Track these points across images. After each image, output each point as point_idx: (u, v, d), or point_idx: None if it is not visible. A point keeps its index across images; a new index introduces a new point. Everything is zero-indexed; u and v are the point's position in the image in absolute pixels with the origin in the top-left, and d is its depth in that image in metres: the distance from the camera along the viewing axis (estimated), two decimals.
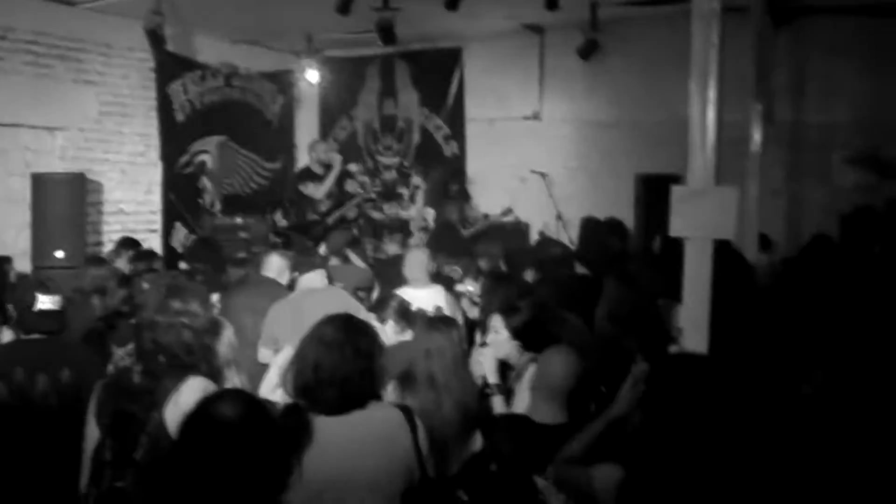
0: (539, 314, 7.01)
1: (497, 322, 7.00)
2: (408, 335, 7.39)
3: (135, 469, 4.96)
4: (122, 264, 11.33)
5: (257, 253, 10.72)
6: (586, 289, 8.76)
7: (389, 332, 7.51)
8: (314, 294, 8.36)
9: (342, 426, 4.53)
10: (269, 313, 8.27)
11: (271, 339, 7.92)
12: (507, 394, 6.48)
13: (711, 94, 7.47)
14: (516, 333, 6.82)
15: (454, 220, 14.56)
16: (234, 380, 6.48)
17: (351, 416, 4.59)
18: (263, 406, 3.71)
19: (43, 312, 6.41)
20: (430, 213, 15.42)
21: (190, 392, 4.99)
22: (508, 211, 15.16)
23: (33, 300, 6.39)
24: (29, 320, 6.47)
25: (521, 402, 6.23)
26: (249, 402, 3.66)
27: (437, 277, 9.79)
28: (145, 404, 5.15)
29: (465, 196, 15.77)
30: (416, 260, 9.46)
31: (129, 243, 12.26)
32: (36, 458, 5.94)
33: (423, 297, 8.79)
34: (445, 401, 5.91)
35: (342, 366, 4.59)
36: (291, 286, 9.41)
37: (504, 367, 6.69)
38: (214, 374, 5.43)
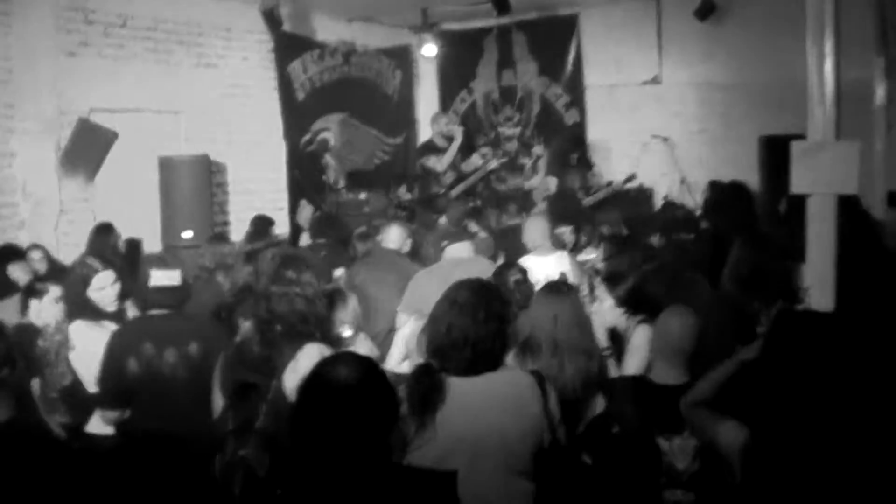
0: (642, 281, 6.98)
1: (601, 290, 6.99)
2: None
3: (256, 437, 5.04)
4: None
5: (378, 226, 10.76)
6: (712, 251, 8.69)
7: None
8: (460, 264, 8.39)
9: (474, 387, 4.56)
10: (413, 281, 8.42)
11: (413, 307, 7.93)
12: (618, 357, 6.49)
13: (828, 45, 7.31)
14: (621, 301, 6.82)
15: (575, 188, 14.49)
16: (361, 347, 6.57)
17: (483, 377, 4.62)
18: (378, 368, 3.74)
19: (159, 288, 6.58)
20: (553, 182, 15.33)
21: (307, 359, 5.06)
22: (632, 177, 14.98)
23: (148, 276, 6.55)
24: (146, 296, 6.65)
25: (631, 366, 6.24)
26: (364, 364, 3.69)
27: (556, 243, 9.76)
28: (265, 373, 5.24)
29: (586, 164, 15.65)
30: (536, 226, 9.44)
31: (260, 221, 12.52)
32: (166, 430, 6.06)
33: (547, 264, 8.78)
34: (567, 365, 5.91)
35: (475, 328, 4.62)
36: (415, 254, 9.50)
37: (614, 333, 6.71)
38: (332, 342, 5.50)
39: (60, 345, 6.80)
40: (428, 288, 7.90)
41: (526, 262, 8.71)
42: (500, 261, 9.49)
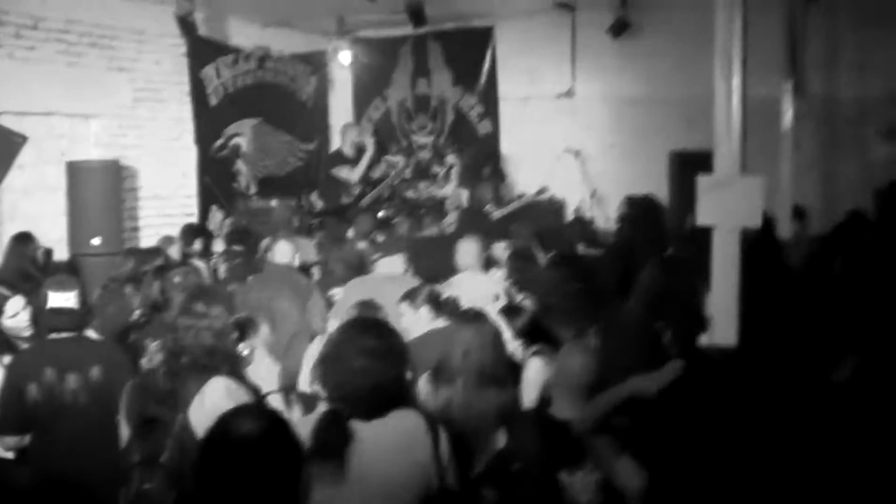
0: (540, 313, 7.05)
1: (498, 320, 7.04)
2: (439, 323, 7.41)
3: (161, 472, 5.03)
4: (175, 252, 11.47)
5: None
6: (621, 267, 8.78)
7: (423, 320, 7.54)
8: (393, 280, 8.41)
9: (371, 431, 4.52)
10: (345, 292, 8.49)
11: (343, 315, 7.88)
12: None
13: (735, 82, 7.39)
14: (520, 333, 6.88)
15: (486, 201, 14.55)
16: (261, 364, 6.54)
17: (379, 420, 4.58)
18: (282, 420, 3.73)
19: (56, 310, 6.50)
20: (464, 194, 15.41)
21: (213, 393, 5.06)
22: (543, 190, 15.09)
23: (45, 298, 6.49)
24: (44, 319, 6.62)
25: (528, 399, 6.27)
26: (267, 417, 3.69)
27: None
28: (170, 406, 5.23)
29: (499, 176, 15.75)
30: (469, 248, 9.47)
31: (189, 230, 12.44)
32: (69, 456, 6.04)
33: (481, 283, 8.83)
34: (482, 395, 5.90)
35: (382, 373, 4.59)
36: (304, 270, 9.53)
37: (511, 364, 6.74)
38: (238, 376, 5.48)
39: None
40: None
41: (458, 281, 8.78)
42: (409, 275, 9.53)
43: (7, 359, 6.77)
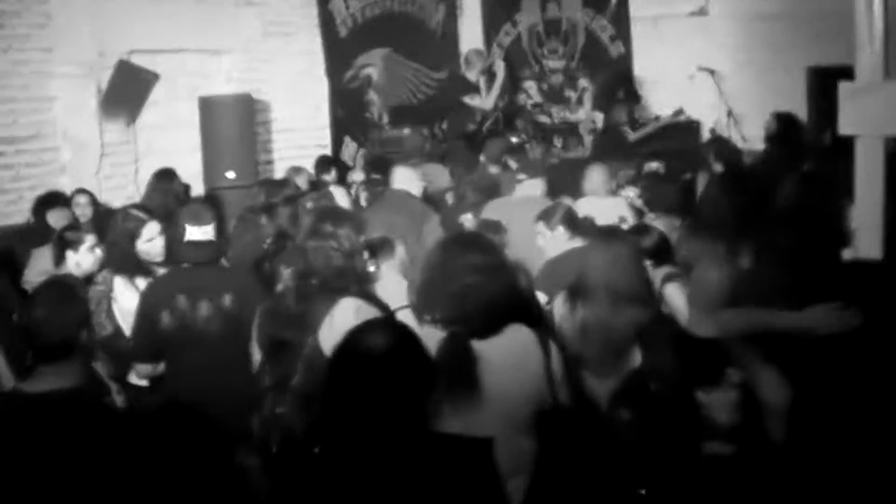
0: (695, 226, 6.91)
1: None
2: (576, 242, 7.30)
3: (292, 395, 5.01)
4: (303, 181, 11.53)
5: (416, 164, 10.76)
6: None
7: (559, 240, 7.48)
8: (528, 204, 8.36)
9: (489, 348, 4.45)
10: (487, 210, 8.46)
11: None
12: None
13: None
14: (649, 253, 6.72)
15: (622, 123, 14.35)
16: (390, 281, 6.50)
17: (495, 338, 4.53)
18: (412, 335, 3.67)
19: (192, 243, 6.56)
20: (600, 117, 15.22)
21: (343, 314, 5.03)
22: (679, 112, 14.84)
23: (183, 232, 6.54)
24: (179, 251, 6.69)
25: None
26: (398, 331, 3.63)
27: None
28: (301, 329, 5.20)
29: (634, 98, 15.48)
30: (598, 174, 9.36)
31: (324, 162, 12.49)
32: (201, 384, 6.05)
33: (605, 207, 8.72)
34: (621, 313, 5.78)
35: (497, 289, 4.51)
36: (430, 198, 9.46)
37: None
38: (367, 296, 5.43)
39: (103, 295, 6.81)
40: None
41: (583, 204, 8.67)
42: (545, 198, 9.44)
43: (141, 281, 6.88)
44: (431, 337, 4.16)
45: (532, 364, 4.58)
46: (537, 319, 5.12)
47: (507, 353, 4.49)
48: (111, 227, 7.33)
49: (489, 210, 8.62)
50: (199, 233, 6.55)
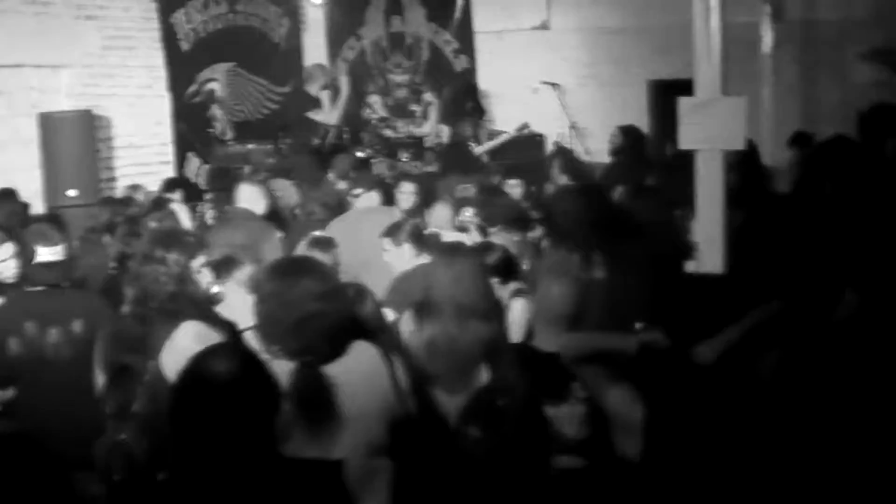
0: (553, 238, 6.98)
1: None
2: (423, 258, 7.32)
3: (134, 421, 4.95)
4: (142, 197, 11.38)
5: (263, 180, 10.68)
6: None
7: (406, 256, 7.51)
8: (370, 215, 8.36)
9: (338, 370, 4.45)
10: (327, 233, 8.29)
11: None
12: None
13: (714, 1, 7.32)
14: (495, 270, 6.77)
15: (467, 137, 14.44)
16: (234, 295, 6.44)
17: (342, 360, 4.52)
18: (256, 358, 3.65)
19: (45, 265, 6.43)
20: (444, 131, 15.32)
21: (183, 338, 4.98)
22: (524, 126, 14.97)
23: (33, 253, 6.42)
24: (31, 273, 6.52)
25: (515, 338, 6.18)
26: (242, 356, 3.61)
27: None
28: (142, 352, 5.15)
29: (479, 112, 15.58)
30: (441, 213, 9.42)
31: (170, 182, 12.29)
32: (52, 410, 5.99)
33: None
34: (469, 328, 5.81)
35: (338, 312, 4.51)
36: (273, 214, 9.42)
37: None
38: (209, 318, 5.38)
39: None
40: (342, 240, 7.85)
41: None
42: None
43: None
44: (281, 368, 4.12)
45: (379, 378, 4.61)
46: (377, 333, 5.14)
47: (356, 373, 4.47)
48: None
49: (333, 227, 8.61)
50: (49, 253, 6.45)
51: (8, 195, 10.60)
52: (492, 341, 5.65)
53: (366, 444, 4.43)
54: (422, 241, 7.59)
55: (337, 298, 4.56)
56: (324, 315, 4.41)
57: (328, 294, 4.49)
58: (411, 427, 4.69)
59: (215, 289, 5.94)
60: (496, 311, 6.11)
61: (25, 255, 6.52)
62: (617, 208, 8.01)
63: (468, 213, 9.20)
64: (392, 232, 7.67)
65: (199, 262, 5.61)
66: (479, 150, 14.06)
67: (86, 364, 5.89)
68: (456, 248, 6.35)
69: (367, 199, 8.92)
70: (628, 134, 12.59)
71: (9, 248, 6.89)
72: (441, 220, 9.26)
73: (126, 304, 5.93)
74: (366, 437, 4.42)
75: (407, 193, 10.05)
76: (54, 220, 9.26)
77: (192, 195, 12.33)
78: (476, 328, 5.63)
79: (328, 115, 15.25)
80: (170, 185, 12.26)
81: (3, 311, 6.45)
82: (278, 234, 8.83)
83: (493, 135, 14.97)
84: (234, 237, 8.45)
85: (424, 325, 5.73)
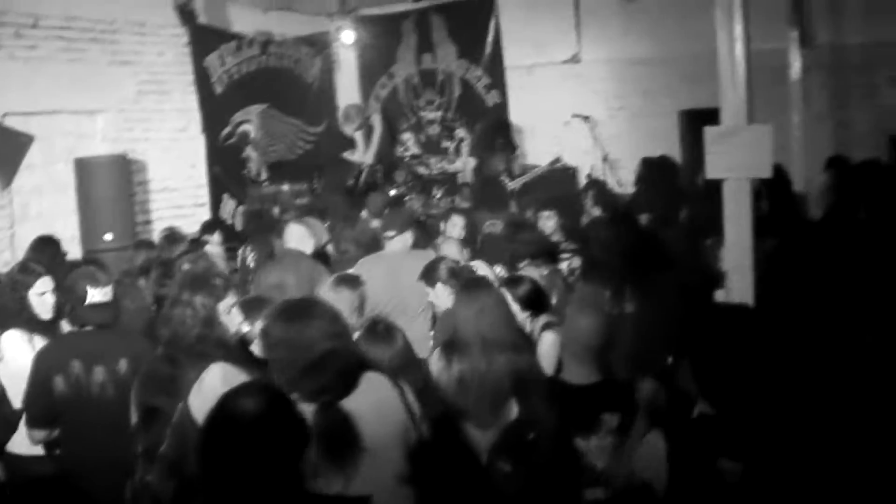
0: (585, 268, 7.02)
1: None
2: None
3: (160, 463, 4.99)
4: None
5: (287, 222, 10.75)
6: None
7: (442, 296, 7.54)
8: (408, 259, 8.45)
9: (354, 404, 4.48)
10: (358, 269, 8.36)
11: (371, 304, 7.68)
12: None
13: (738, 29, 7.32)
14: (525, 303, 6.80)
15: (500, 172, 14.48)
16: None
17: (354, 394, 4.56)
18: (284, 397, 3.69)
19: (95, 306, 6.53)
20: (471, 163, 15.42)
21: (211, 380, 5.01)
22: (557, 160, 15.01)
23: (84, 294, 6.50)
24: (82, 314, 6.58)
25: (544, 368, 6.19)
26: (270, 394, 3.64)
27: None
28: (171, 394, 5.19)
29: (510, 147, 15.61)
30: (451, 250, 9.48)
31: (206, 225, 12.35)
32: (96, 449, 6.10)
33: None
34: (496, 362, 5.82)
35: (349, 349, 4.55)
36: (321, 254, 9.46)
37: None
38: (238, 359, 5.41)
39: None
40: (377, 279, 7.96)
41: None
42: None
43: (39, 339, 6.82)
44: (304, 409, 4.15)
45: (392, 403, 4.67)
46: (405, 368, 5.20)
47: (371, 403, 4.53)
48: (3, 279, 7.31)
49: (367, 264, 8.67)
50: (99, 294, 6.54)
51: (50, 241, 10.66)
52: (520, 375, 5.67)
53: (391, 476, 4.46)
54: (456, 278, 7.59)
55: (344, 336, 4.60)
56: (335, 354, 4.44)
57: (338, 332, 4.53)
58: (432, 455, 4.71)
59: (245, 328, 5.98)
60: (524, 344, 6.14)
61: (75, 296, 6.56)
62: (649, 239, 8.04)
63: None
64: (426, 274, 7.70)
65: (227, 303, 5.65)
66: (512, 184, 14.10)
67: (129, 403, 6.02)
68: (478, 283, 6.36)
69: (401, 241, 8.91)
70: (649, 165, 12.62)
71: (47, 283, 6.98)
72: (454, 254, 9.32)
73: (159, 346, 6.03)
74: (389, 468, 4.45)
75: (458, 226, 10.16)
76: (97, 264, 9.36)
77: (229, 237, 12.41)
78: (504, 362, 5.66)
79: (363, 154, 15.31)
80: (207, 227, 12.33)
81: (51, 351, 6.51)
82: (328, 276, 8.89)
83: (526, 169, 15.01)
84: (286, 277, 8.57)
85: (453, 362, 5.76)
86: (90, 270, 7.06)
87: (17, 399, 6.50)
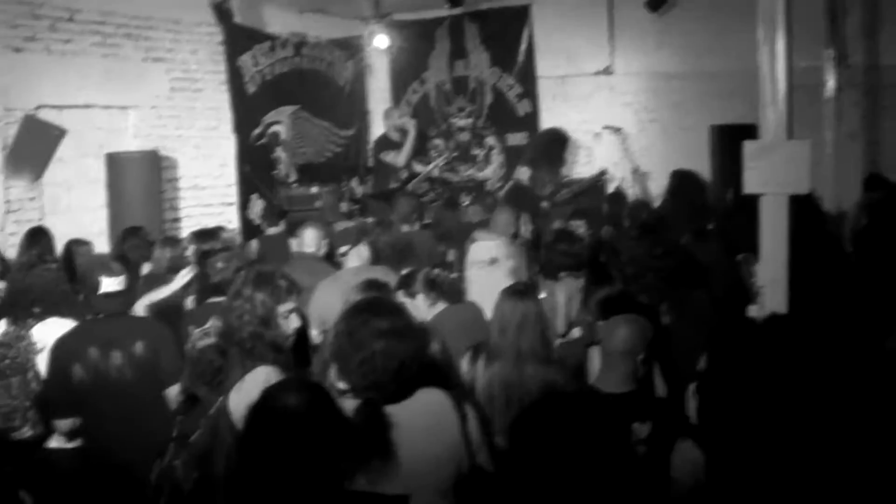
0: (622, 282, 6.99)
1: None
2: (439, 307, 7.27)
3: (188, 451, 5.00)
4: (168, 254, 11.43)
5: (331, 223, 10.72)
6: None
7: (421, 307, 7.26)
8: (361, 275, 8.22)
9: (402, 412, 4.41)
10: (315, 293, 7.97)
11: (319, 321, 7.51)
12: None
13: (780, 45, 7.32)
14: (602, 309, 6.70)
15: (546, 183, 14.47)
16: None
17: (407, 402, 4.46)
18: (326, 393, 3.68)
19: (108, 294, 6.62)
20: (526, 173, 15.28)
21: (253, 382, 4.95)
22: (603, 173, 15.09)
23: (98, 284, 6.59)
24: (96, 303, 6.68)
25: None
26: (313, 390, 3.63)
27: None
28: (214, 387, 5.20)
29: (562, 162, 15.64)
30: (503, 217, 9.46)
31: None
32: (119, 431, 6.20)
33: (484, 245, 8.78)
34: (529, 374, 5.78)
35: (406, 352, 4.47)
36: (329, 257, 9.43)
37: None
38: (284, 366, 5.35)
39: (27, 350, 6.77)
40: (331, 299, 7.37)
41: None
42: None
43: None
44: (346, 407, 4.12)
45: (447, 427, 4.51)
46: (451, 382, 5.10)
47: (420, 417, 4.41)
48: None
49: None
50: (112, 284, 6.63)
51: (135, 231, 10.66)
52: (548, 386, 5.64)
53: (426, 489, 4.38)
54: (435, 288, 7.46)
55: (406, 339, 4.53)
56: (390, 353, 4.39)
57: (397, 333, 4.47)
58: (481, 479, 4.64)
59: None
60: (555, 358, 6.10)
61: (89, 285, 6.69)
62: (681, 253, 8.02)
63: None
64: (404, 283, 7.54)
65: (287, 307, 5.57)
66: (562, 195, 14.09)
67: (148, 385, 6.26)
68: (516, 290, 6.29)
69: (355, 257, 8.74)
70: (678, 177, 12.59)
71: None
72: (501, 227, 9.29)
73: (194, 342, 6.04)
74: (425, 481, 4.36)
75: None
76: (123, 259, 9.36)
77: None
78: (533, 373, 5.64)
79: (397, 157, 15.33)
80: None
81: (68, 340, 6.54)
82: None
83: (569, 182, 15.03)
84: (300, 280, 8.51)
85: (480, 369, 5.74)
86: (104, 260, 7.24)
87: None
